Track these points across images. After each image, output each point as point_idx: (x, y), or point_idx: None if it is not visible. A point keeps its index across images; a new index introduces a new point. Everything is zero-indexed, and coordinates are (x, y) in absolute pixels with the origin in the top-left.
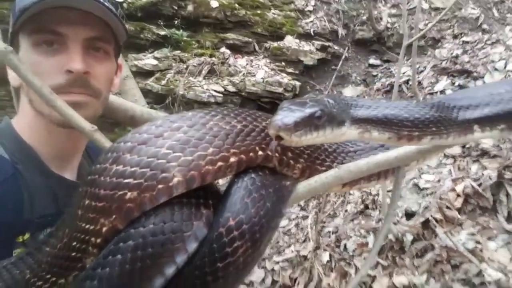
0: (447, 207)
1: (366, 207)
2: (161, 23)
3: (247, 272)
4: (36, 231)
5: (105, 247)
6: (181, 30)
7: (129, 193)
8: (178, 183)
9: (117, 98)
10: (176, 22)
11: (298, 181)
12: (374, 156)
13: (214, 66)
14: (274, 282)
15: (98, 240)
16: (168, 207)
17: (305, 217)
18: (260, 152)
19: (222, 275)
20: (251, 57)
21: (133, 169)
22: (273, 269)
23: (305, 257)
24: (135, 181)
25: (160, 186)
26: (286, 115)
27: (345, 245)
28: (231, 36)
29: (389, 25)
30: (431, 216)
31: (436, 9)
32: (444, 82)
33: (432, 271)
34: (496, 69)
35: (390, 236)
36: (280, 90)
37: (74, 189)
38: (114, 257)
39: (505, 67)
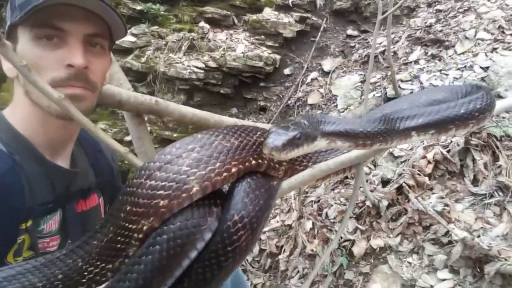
0: (419, 174)
1: (346, 176)
2: None
3: (248, 252)
4: (38, 218)
5: (146, 241)
6: (157, 5)
7: (161, 201)
8: (197, 192)
9: (173, 104)
10: None
11: (282, 180)
12: (339, 156)
13: (194, 42)
14: (261, 250)
15: (140, 236)
16: (189, 208)
17: None
18: (253, 162)
19: (231, 255)
20: (231, 31)
21: (163, 183)
22: (260, 239)
23: (289, 226)
24: (165, 192)
25: (183, 195)
26: (275, 139)
27: (326, 213)
28: (210, 9)
29: None
30: (405, 182)
31: None
32: (417, 52)
33: (405, 233)
34: (466, 38)
35: (368, 203)
36: (260, 64)
37: (68, 176)
38: (154, 247)
39: (475, 36)
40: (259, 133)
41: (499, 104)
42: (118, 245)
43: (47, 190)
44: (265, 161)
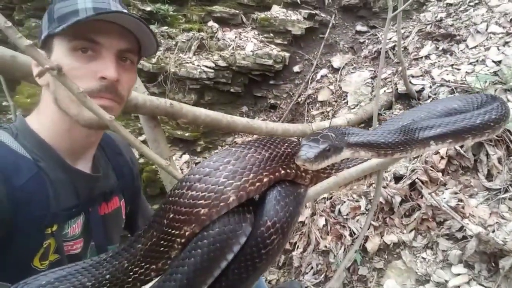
0: (432, 169)
1: (357, 179)
2: None
3: (279, 254)
4: (62, 222)
5: (187, 245)
6: (166, 5)
7: (202, 210)
8: (233, 201)
9: (187, 106)
10: None
11: (308, 186)
12: (361, 164)
13: (203, 41)
14: None
15: (182, 240)
16: (226, 215)
17: None
18: (283, 171)
19: (264, 257)
20: (240, 30)
21: (203, 193)
22: None
23: (303, 223)
24: (205, 202)
25: (222, 204)
26: (308, 151)
27: (339, 210)
28: (218, 8)
29: None
30: (418, 178)
31: None
32: (428, 47)
33: (419, 228)
34: (478, 32)
35: (381, 199)
36: (270, 62)
37: (91, 181)
38: (196, 251)
39: (486, 29)
40: (286, 144)
41: None
42: (162, 248)
43: (71, 195)
44: (293, 171)
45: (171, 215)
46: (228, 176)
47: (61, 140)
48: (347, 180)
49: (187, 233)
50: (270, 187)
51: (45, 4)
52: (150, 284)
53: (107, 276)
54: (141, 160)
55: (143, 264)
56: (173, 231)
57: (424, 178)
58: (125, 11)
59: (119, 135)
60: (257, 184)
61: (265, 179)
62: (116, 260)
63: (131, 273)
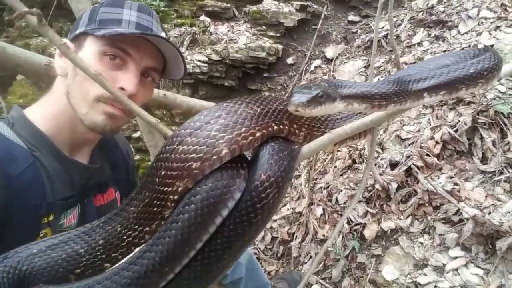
0: (427, 154)
1: (354, 161)
2: None
3: (275, 210)
4: (58, 212)
5: (180, 202)
6: (158, 0)
7: (194, 164)
8: (226, 154)
9: (181, 96)
10: None
11: (302, 144)
12: (355, 121)
13: (196, 36)
14: (273, 238)
15: (175, 197)
16: (219, 170)
17: (297, 176)
18: (275, 127)
19: (260, 212)
20: (232, 23)
21: (194, 147)
22: (271, 227)
23: (300, 213)
24: (197, 155)
25: (214, 157)
26: (300, 97)
27: (336, 199)
28: (209, 2)
29: None
30: (413, 164)
31: None
32: (421, 34)
33: (415, 214)
34: (469, 17)
35: (377, 186)
36: (263, 54)
37: (87, 171)
38: (190, 206)
39: (478, 15)
40: (278, 101)
41: (505, 68)
42: (155, 208)
43: (67, 186)
44: (286, 127)
45: (163, 172)
46: (220, 130)
47: (61, 132)
48: (341, 137)
49: (179, 189)
50: (264, 143)
51: (34, 4)
52: (145, 243)
53: (100, 242)
54: (138, 157)
55: (136, 227)
56: (165, 189)
57: (420, 163)
58: (164, 34)
59: (130, 109)
60: (250, 138)
61: (258, 134)
62: (109, 225)
63: (125, 237)
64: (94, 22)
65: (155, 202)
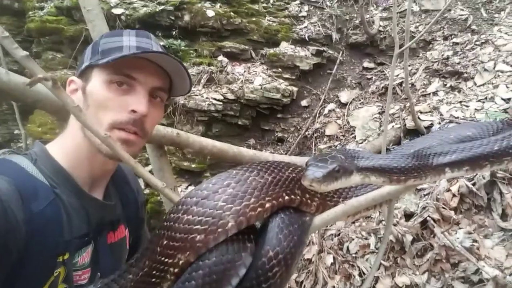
0: (444, 207)
1: (367, 208)
2: (159, 34)
3: None
4: (74, 251)
5: (180, 275)
6: (179, 40)
7: (198, 236)
8: (232, 227)
9: (193, 136)
10: (173, 32)
11: (314, 215)
12: (371, 192)
13: (213, 75)
14: None
15: (176, 270)
16: (224, 243)
17: None
18: (286, 197)
19: None
20: (249, 64)
21: (199, 218)
22: None
23: (309, 261)
24: (202, 227)
25: (219, 230)
26: (315, 171)
27: (347, 247)
28: (228, 44)
29: (381, 28)
30: (429, 216)
31: (426, 11)
32: (436, 84)
33: (432, 270)
34: (485, 70)
35: (391, 237)
36: (278, 96)
37: (104, 208)
38: (190, 282)
39: (494, 67)
40: (291, 169)
41: None
42: (153, 279)
43: (84, 222)
44: (298, 197)
45: (165, 242)
46: (228, 200)
47: (81, 167)
48: (356, 209)
49: (180, 262)
50: (273, 214)
51: (62, 38)
52: None
53: None
54: (147, 191)
55: None
56: (166, 260)
57: (436, 216)
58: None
59: (113, 150)
60: (259, 209)
61: (267, 205)
62: None
63: None
64: (97, 53)
65: (154, 272)
